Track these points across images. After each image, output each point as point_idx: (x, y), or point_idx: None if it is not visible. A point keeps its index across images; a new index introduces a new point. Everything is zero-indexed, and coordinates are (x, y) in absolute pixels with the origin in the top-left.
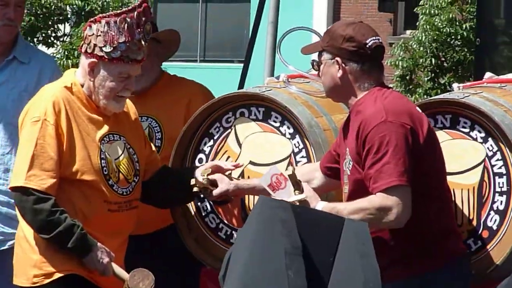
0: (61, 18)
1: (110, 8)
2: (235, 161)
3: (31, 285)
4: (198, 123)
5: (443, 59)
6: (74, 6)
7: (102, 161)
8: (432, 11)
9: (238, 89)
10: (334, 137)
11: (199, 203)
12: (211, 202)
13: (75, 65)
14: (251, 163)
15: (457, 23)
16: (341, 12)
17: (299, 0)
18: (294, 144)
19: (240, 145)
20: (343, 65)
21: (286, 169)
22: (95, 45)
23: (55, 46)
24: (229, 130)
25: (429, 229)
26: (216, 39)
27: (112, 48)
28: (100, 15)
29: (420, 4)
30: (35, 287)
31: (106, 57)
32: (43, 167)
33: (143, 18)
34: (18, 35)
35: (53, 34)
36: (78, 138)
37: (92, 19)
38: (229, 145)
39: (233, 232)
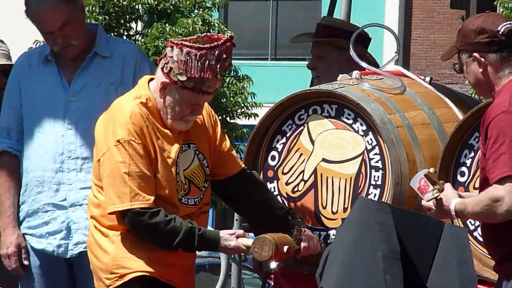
0: (133, 16)
1: (182, 6)
2: (308, 158)
3: None
4: (271, 121)
5: None
6: (147, 5)
7: (177, 176)
8: None
9: (310, 86)
10: (407, 134)
11: None
12: None
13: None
14: (324, 160)
15: None
16: (413, 9)
17: None
18: (367, 141)
19: (312, 142)
20: (483, 59)
21: (429, 169)
22: (171, 69)
23: None
24: (302, 127)
25: None
26: (287, 37)
27: (186, 78)
28: (183, 41)
29: None
30: None
31: (179, 84)
32: (142, 185)
33: (224, 55)
34: (96, 32)
35: (125, 33)
36: (158, 155)
37: (175, 41)
38: (301, 142)
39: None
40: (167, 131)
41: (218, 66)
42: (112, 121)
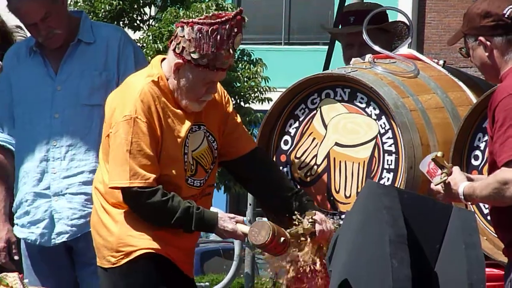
0: (147, 1)
1: None
2: (321, 143)
3: (111, 266)
4: (284, 105)
5: None
6: None
7: (185, 156)
8: None
9: (323, 71)
10: (421, 117)
11: None
12: None
13: (164, 49)
14: (337, 144)
15: None
16: None
17: None
18: (380, 125)
19: (325, 126)
20: (488, 42)
21: (437, 153)
22: (183, 48)
23: (141, 29)
24: (315, 111)
25: None
26: (300, 21)
27: (200, 56)
28: (194, 19)
29: None
30: (114, 268)
31: (193, 62)
32: (143, 163)
33: (235, 29)
34: (80, 20)
35: (139, 18)
36: (166, 134)
37: (185, 20)
38: (314, 126)
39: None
40: (178, 110)
41: (230, 40)
42: (122, 97)
